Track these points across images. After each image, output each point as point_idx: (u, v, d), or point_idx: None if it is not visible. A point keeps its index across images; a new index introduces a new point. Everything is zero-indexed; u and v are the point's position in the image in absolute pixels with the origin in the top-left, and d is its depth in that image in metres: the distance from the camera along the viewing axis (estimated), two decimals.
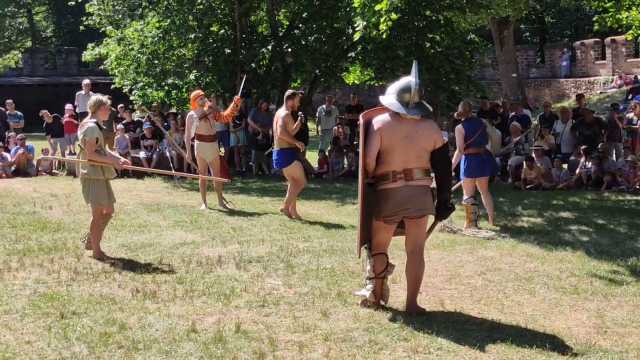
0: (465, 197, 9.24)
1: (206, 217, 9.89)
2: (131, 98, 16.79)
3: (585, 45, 29.75)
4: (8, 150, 15.54)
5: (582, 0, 23.89)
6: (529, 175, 13.31)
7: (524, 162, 13.48)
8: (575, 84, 29.10)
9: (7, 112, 17.79)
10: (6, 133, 16.99)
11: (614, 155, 14.18)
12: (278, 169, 10.09)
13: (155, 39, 15.82)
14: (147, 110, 16.18)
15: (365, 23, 10.12)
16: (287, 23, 17.56)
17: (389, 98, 5.46)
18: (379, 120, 5.41)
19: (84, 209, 10.20)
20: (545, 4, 31.48)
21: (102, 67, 19.08)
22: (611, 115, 15.20)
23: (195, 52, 16.44)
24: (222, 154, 13.86)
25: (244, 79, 12.81)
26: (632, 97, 21.01)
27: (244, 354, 4.59)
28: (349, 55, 16.84)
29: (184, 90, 16.19)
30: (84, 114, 16.67)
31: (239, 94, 11.40)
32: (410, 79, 5.45)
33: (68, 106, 17.53)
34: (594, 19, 16.06)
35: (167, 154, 15.43)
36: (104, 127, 7.44)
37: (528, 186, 13.17)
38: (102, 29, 17.68)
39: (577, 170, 13.42)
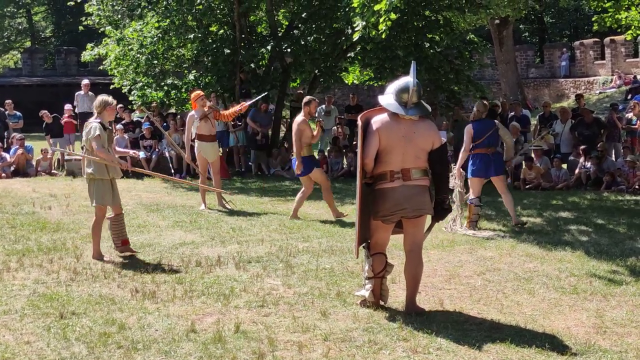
0: (471, 196, 9.20)
1: (205, 217, 9.89)
2: (130, 98, 16.80)
3: (585, 45, 29.75)
4: (7, 151, 15.54)
5: (582, 0, 23.88)
6: (529, 175, 13.31)
7: (524, 162, 13.47)
8: (575, 84, 29.10)
9: (7, 113, 17.77)
10: (5, 133, 16.99)
11: (613, 155, 14.18)
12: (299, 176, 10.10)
13: (155, 39, 15.82)
14: (147, 110, 16.16)
15: (364, 23, 10.13)
16: (287, 23, 17.57)
17: (387, 98, 5.45)
18: (378, 120, 5.41)
19: (83, 209, 10.21)
20: (545, 4, 31.47)
21: (101, 67, 19.07)
22: (610, 115, 15.21)
23: (195, 52, 16.45)
24: (221, 154, 13.86)
25: (262, 94, 13.22)
26: (631, 97, 20.99)
27: (244, 354, 4.59)
28: (348, 55, 16.83)
29: (183, 90, 16.20)
30: (83, 114, 16.75)
31: (250, 102, 11.54)
32: (408, 79, 5.43)
33: (67, 106, 17.52)
34: (593, 19, 16.04)
35: (167, 155, 15.43)
36: (109, 128, 7.42)
37: (527, 186, 13.17)
38: (102, 29, 17.69)
39: (577, 170, 13.41)
